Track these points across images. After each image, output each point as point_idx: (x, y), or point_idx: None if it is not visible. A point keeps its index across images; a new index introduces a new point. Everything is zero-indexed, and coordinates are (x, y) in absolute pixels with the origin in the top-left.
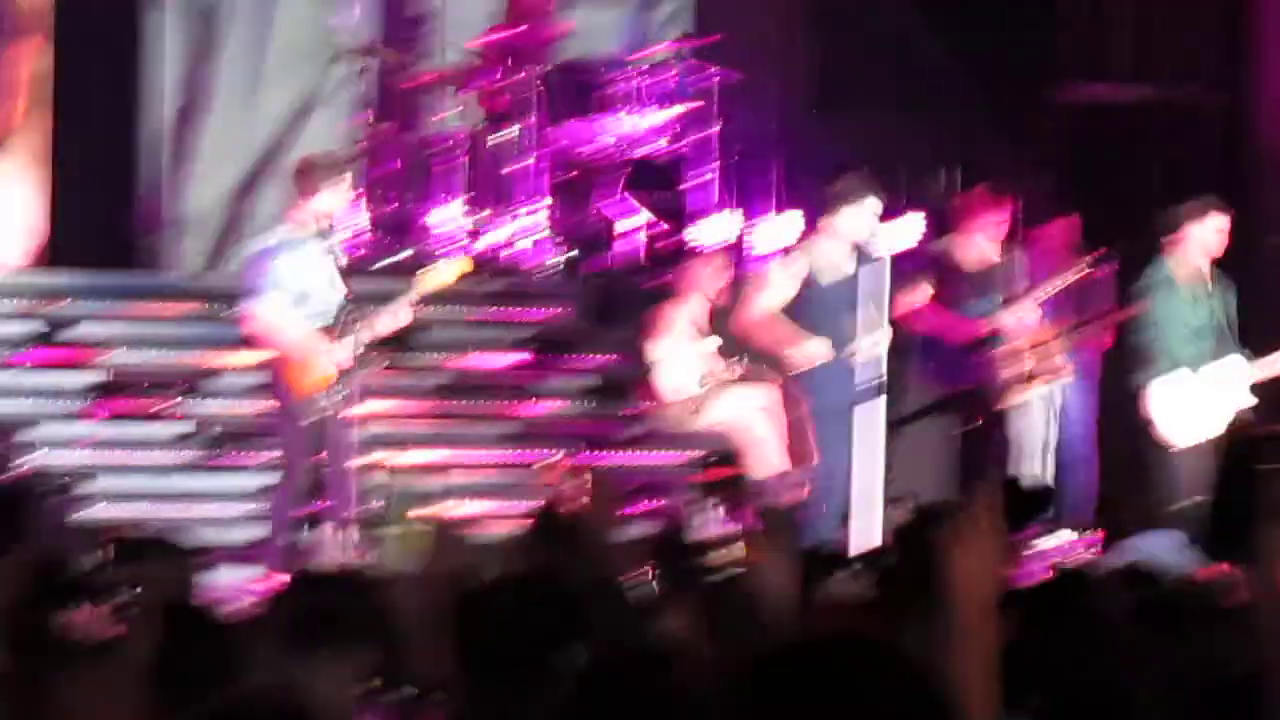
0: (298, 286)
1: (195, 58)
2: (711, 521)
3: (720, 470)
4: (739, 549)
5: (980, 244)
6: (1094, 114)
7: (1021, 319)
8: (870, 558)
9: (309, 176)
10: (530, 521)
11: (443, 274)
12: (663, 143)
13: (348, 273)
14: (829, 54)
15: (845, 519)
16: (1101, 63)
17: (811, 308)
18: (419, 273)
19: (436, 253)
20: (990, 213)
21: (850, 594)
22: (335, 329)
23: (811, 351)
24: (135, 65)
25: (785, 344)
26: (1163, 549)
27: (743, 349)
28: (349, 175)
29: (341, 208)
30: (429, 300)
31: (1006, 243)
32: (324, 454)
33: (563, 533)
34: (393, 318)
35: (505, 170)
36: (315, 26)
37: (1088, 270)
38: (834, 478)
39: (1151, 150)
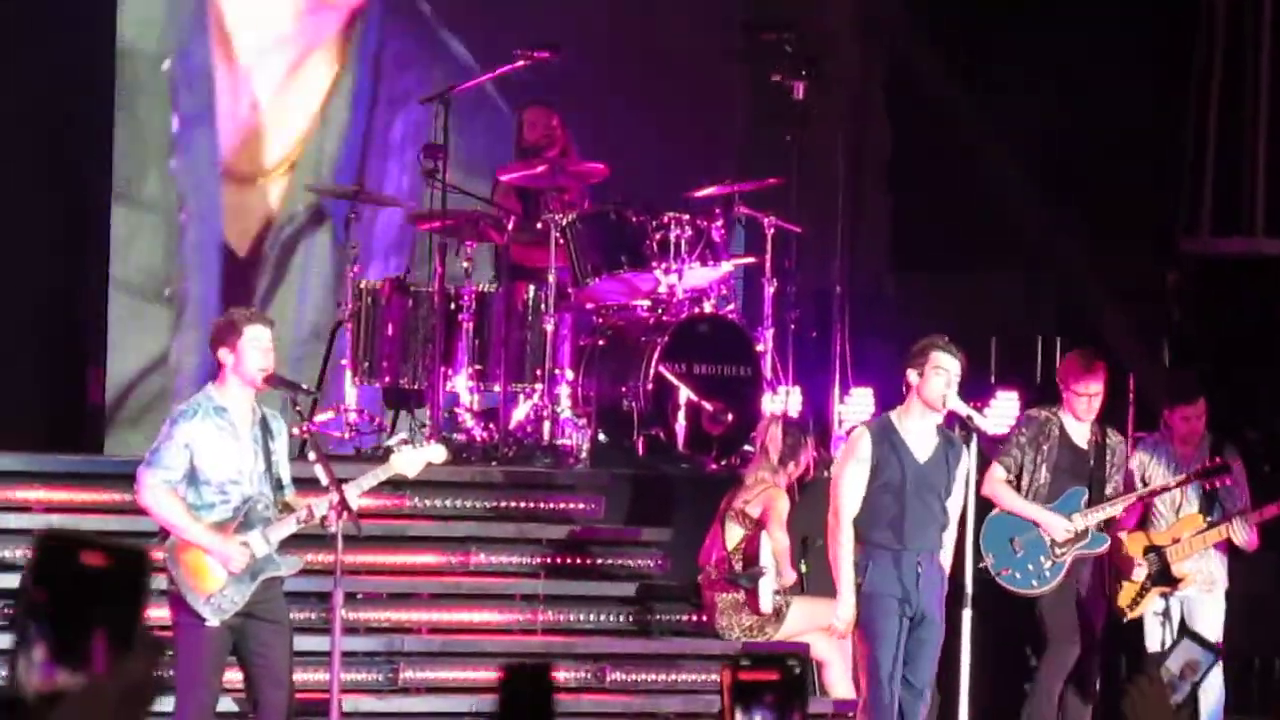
0: (192, 464)
1: None
2: None
3: (764, 674)
4: None
5: (1070, 421)
6: (1225, 269)
7: (1112, 516)
8: None
9: (227, 331)
10: None
11: (411, 461)
12: (708, 305)
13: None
14: (907, 205)
15: None
16: (1234, 214)
17: (886, 494)
18: (393, 455)
19: (426, 435)
20: (1079, 383)
21: None
22: (234, 522)
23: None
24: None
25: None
26: None
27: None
28: (269, 329)
29: (263, 367)
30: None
31: (1099, 423)
32: (248, 668)
33: None
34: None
35: (521, 336)
36: None
37: (1209, 480)
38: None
39: None
